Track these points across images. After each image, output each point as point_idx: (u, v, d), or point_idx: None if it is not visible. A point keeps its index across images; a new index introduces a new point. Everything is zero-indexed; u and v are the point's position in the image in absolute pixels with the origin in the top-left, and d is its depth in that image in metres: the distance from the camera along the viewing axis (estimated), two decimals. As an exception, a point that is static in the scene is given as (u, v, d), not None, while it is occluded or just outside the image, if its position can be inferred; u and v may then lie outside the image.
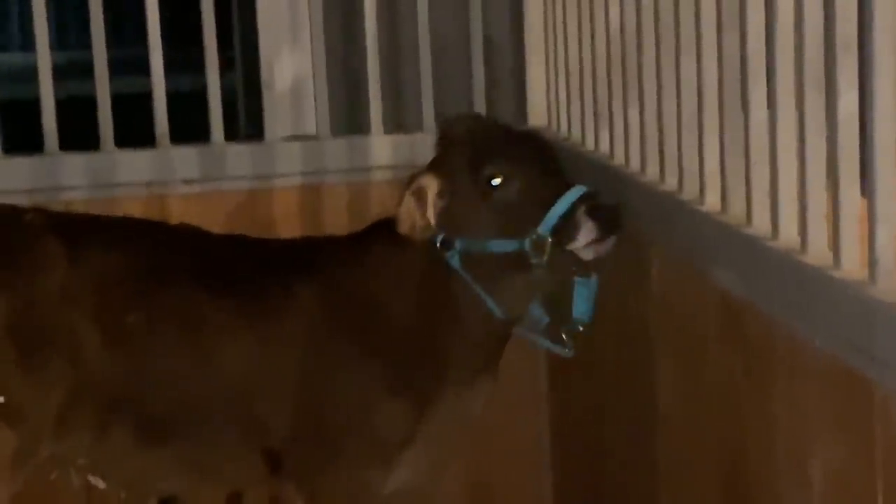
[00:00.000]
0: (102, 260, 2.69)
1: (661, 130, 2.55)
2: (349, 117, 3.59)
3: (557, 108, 3.25)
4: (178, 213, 3.16)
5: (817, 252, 2.03)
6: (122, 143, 3.25)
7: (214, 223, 2.88)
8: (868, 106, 1.86)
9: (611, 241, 2.42)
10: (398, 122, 3.54)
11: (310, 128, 3.48)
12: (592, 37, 2.92)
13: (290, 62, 3.53)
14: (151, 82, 3.23)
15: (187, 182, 3.25)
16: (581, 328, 2.51)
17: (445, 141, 2.62)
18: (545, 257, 2.43)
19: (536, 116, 3.39)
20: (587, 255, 2.44)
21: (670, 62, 2.48)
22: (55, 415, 2.64)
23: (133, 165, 3.24)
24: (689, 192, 2.44)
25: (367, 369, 2.65)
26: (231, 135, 3.37)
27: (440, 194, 2.53)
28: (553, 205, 2.42)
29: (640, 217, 2.57)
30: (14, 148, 3.27)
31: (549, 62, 3.29)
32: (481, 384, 2.66)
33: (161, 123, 3.25)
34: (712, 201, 2.35)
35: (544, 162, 2.53)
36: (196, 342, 2.68)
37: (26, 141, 3.35)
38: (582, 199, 2.42)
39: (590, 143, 2.99)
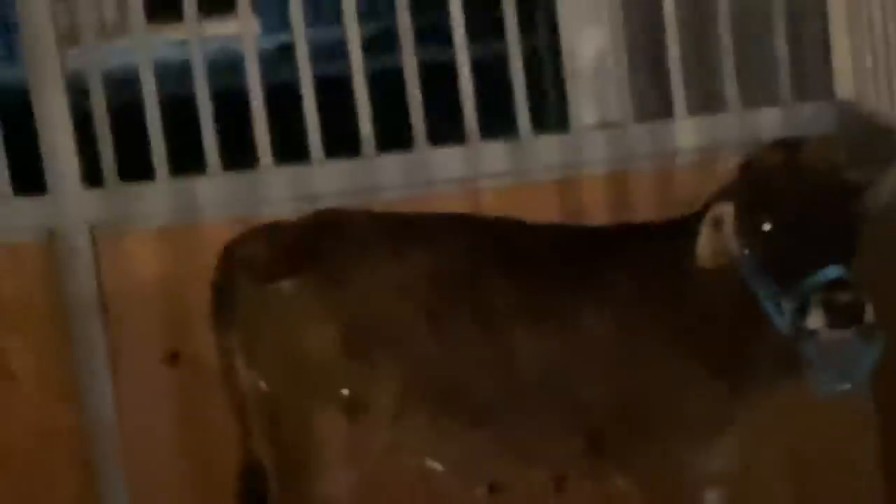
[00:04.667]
0: (427, 255, 2.83)
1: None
2: (654, 97, 3.61)
3: (865, 79, 3.18)
4: (488, 208, 3.26)
5: None
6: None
7: (524, 215, 2.96)
8: None
9: (842, 334, 2.43)
10: (703, 101, 3.53)
11: (614, 112, 3.51)
12: (899, 8, 2.85)
13: (591, 47, 3.57)
14: (459, 81, 3.33)
15: (496, 176, 3.34)
16: (846, 387, 2.52)
17: (746, 170, 2.62)
18: (786, 322, 2.48)
19: (844, 89, 3.33)
20: (824, 336, 2.45)
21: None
22: (396, 405, 2.80)
23: (445, 163, 3.35)
24: None
25: (684, 352, 2.72)
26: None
27: (736, 220, 2.57)
28: (805, 278, 2.44)
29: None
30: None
31: (855, 34, 3.22)
32: (790, 383, 2.67)
33: (470, 121, 3.35)
34: None
35: (821, 226, 2.50)
36: (515, 331, 2.80)
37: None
38: (827, 285, 2.42)
39: (900, 118, 2.93)
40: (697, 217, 2.66)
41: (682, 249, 2.68)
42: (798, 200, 2.51)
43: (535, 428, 2.83)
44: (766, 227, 2.52)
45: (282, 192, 3.32)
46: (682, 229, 2.71)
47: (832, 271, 2.43)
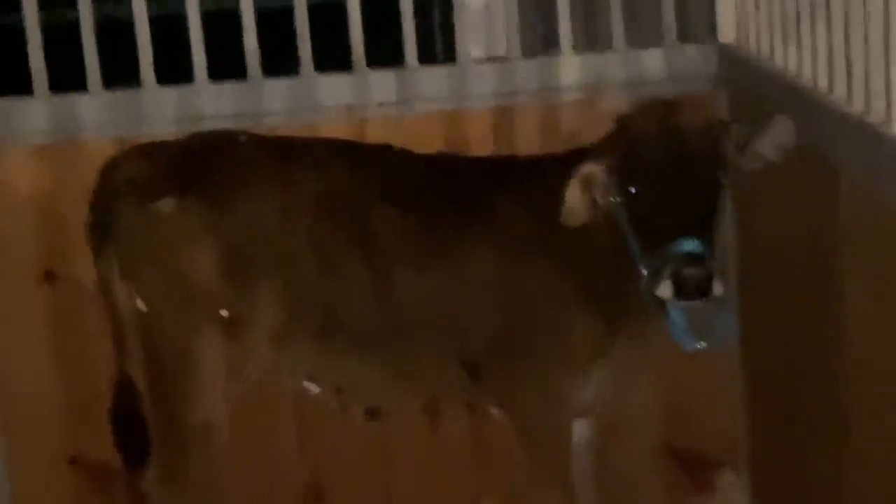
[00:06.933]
0: (312, 180, 2.83)
1: (848, 52, 2.53)
2: (541, 36, 3.63)
3: (747, 24, 3.23)
4: (374, 136, 3.27)
5: None
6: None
7: (409, 145, 2.97)
8: None
9: (686, 305, 2.48)
10: (589, 40, 3.56)
11: (502, 48, 3.53)
12: (781, -47, 2.90)
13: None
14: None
15: (383, 105, 3.34)
16: (704, 347, 2.57)
17: (620, 128, 2.64)
18: (643, 283, 2.53)
19: (725, 33, 3.38)
20: (673, 304, 2.50)
21: (857, -17, 2.46)
22: (275, 328, 2.80)
23: (332, 90, 3.34)
24: (877, 114, 2.43)
25: (562, 284, 2.76)
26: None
27: (607, 173, 2.59)
28: (662, 246, 2.48)
29: (827, 139, 2.57)
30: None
31: (739, -22, 3.27)
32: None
33: (357, 48, 3.34)
34: (899, 125, 2.34)
35: (686, 196, 2.51)
36: (398, 258, 2.82)
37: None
38: (679, 258, 2.45)
39: (778, 61, 2.99)
40: (582, 155, 2.68)
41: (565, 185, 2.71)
42: (666, 168, 2.53)
43: (416, 354, 2.86)
44: (633, 190, 2.55)
45: (165, 112, 3.28)
46: (566, 166, 2.74)
47: (687, 244, 2.46)
